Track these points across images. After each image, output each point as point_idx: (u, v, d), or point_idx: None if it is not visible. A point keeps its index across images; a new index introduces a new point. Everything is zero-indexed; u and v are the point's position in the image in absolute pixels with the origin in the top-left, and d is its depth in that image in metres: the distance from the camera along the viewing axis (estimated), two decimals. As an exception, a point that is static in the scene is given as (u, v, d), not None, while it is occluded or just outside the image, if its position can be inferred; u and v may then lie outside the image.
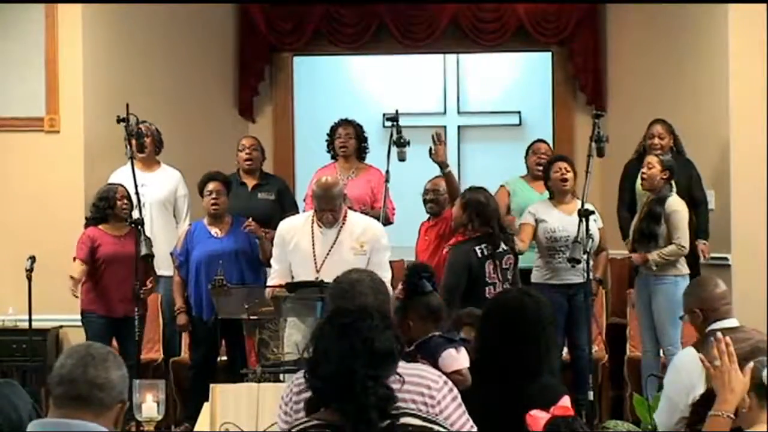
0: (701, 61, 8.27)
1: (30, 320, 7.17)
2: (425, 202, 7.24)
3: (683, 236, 6.96)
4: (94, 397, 2.74)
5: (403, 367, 3.29)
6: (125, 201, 7.08)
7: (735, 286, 7.68)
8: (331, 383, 2.83)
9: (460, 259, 6.46)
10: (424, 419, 2.95)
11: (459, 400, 3.32)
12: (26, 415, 3.53)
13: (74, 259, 7.03)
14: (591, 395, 6.59)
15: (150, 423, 4.10)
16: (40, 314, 7.23)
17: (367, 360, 2.83)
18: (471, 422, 3.32)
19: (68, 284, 6.93)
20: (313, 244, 5.93)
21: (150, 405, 4.08)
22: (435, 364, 3.69)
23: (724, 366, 3.34)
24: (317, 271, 5.86)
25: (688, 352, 4.42)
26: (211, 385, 5.25)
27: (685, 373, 4.33)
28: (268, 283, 6.13)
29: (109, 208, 7.09)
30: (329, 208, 5.95)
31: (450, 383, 3.34)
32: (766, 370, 3.40)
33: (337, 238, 5.93)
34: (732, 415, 3.31)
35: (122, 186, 7.14)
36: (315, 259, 5.90)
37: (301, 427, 2.89)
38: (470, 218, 6.52)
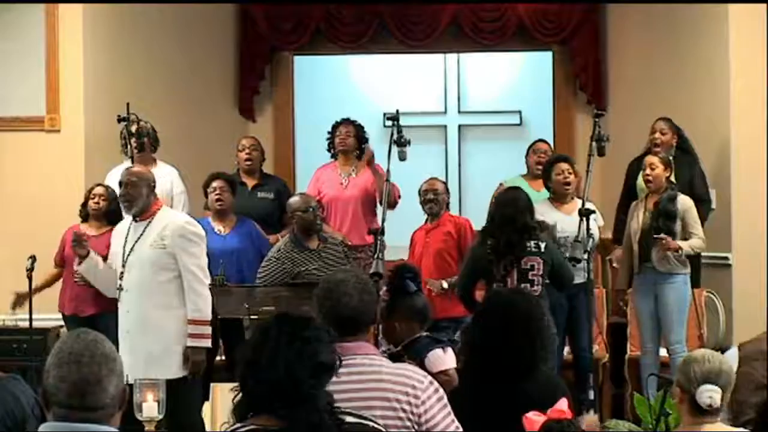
0: (701, 60, 8.27)
1: (30, 320, 7.16)
2: (424, 203, 7.25)
3: (701, 231, 7.01)
4: (102, 402, 2.66)
5: (387, 366, 3.30)
6: (96, 200, 7.15)
7: (735, 286, 7.70)
8: (278, 389, 2.80)
9: (471, 251, 6.53)
10: (358, 416, 2.94)
11: (445, 400, 3.30)
12: (29, 409, 3.54)
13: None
14: (592, 394, 6.60)
15: (150, 423, 4.10)
16: (41, 314, 7.23)
17: (312, 371, 2.82)
18: (456, 423, 3.31)
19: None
20: (126, 239, 6.02)
21: (151, 405, 4.07)
22: (421, 365, 3.68)
23: None
24: (123, 266, 5.96)
25: (733, 350, 4.44)
26: (212, 385, 5.25)
27: None
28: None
29: (83, 206, 7.18)
30: (125, 189, 6.01)
31: (435, 384, 3.33)
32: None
33: (143, 232, 5.98)
34: None
35: (103, 186, 7.20)
36: (123, 253, 5.98)
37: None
38: (491, 216, 6.54)
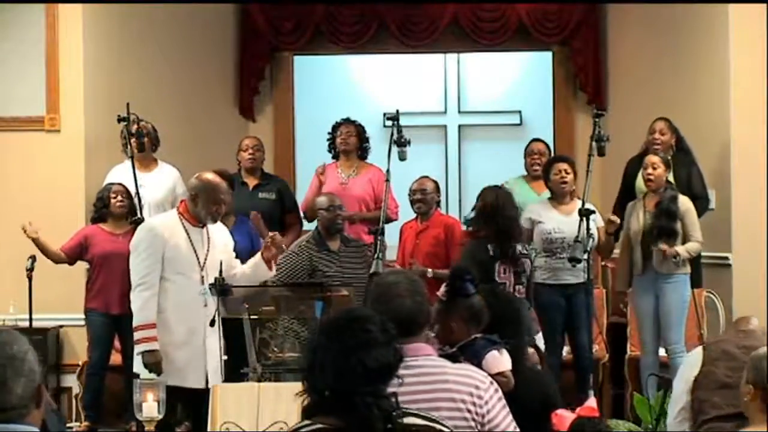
0: (701, 60, 8.27)
1: (30, 320, 7.18)
2: (413, 202, 7.25)
3: (699, 234, 7.03)
4: (10, 403, 2.59)
5: (451, 367, 3.34)
6: (119, 198, 7.14)
7: (735, 286, 7.70)
8: (330, 397, 2.83)
9: (471, 252, 6.49)
10: (425, 418, 2.95)
11: (504, 401, 3.35)
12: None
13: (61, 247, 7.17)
14: (591, 394, 6.60)
15: (150, 422, 4.10)
16: (41, 314, 7.24)
17: (364, 378, 2.82)
18: (514, 424, 3.36)
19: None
20: (190, 241, 5.87)
21: (151, 404, 4.07)
22: (479, 366, 3.71)
23: None
24: (202, 269, 5.83)
25: (698, 350, 4.44)
26: (212, 385, 5.25)
27: (689, 366, 4.35)
28: (142, 292, 5.79)
29: (104, 207, 7.17)
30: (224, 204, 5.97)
31: (495, 384, 3.37)
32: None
33: (209, 237, 5.92)
34: None
35: (120, 184, 7.18)
36: (198, 257, 5.85)
37: (303, 431, 2.87)
38: (477, 216, 6.54)
